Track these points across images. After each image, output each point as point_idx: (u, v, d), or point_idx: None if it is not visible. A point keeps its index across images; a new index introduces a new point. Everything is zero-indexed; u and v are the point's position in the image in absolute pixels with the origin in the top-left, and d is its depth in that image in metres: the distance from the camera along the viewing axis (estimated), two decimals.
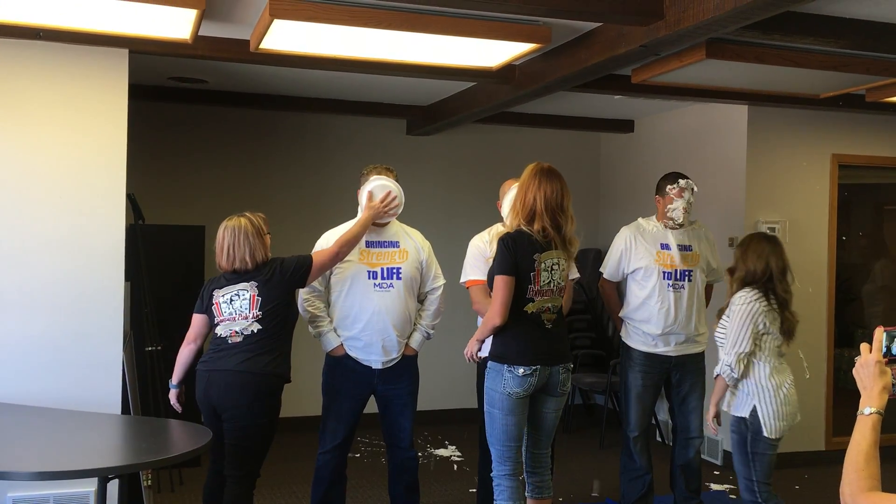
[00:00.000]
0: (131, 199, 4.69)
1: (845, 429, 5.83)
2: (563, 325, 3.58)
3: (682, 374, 4.33)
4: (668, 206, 4.30)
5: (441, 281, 4.09)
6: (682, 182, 4.28)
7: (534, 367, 3.38)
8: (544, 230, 3.41)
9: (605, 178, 7.29)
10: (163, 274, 5.20)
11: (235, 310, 3.49)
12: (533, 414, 3.51)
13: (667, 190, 4.31)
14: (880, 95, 5.03)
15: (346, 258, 3.84)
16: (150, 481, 4.40)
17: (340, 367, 3.94)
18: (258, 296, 3.47)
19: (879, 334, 1.81)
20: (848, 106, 5.39)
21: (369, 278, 3.86)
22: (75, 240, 4.14)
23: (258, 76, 5.27)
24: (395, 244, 3.95)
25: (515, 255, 3.37)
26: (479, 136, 6.92)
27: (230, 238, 3.50)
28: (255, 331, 3.46)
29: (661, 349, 4.29)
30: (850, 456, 1.64)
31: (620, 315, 4.43)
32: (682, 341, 4.28)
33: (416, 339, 4.02)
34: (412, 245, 3.99)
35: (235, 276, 3.52)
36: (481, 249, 4.15)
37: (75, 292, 4.14)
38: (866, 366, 1.77)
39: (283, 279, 3.52)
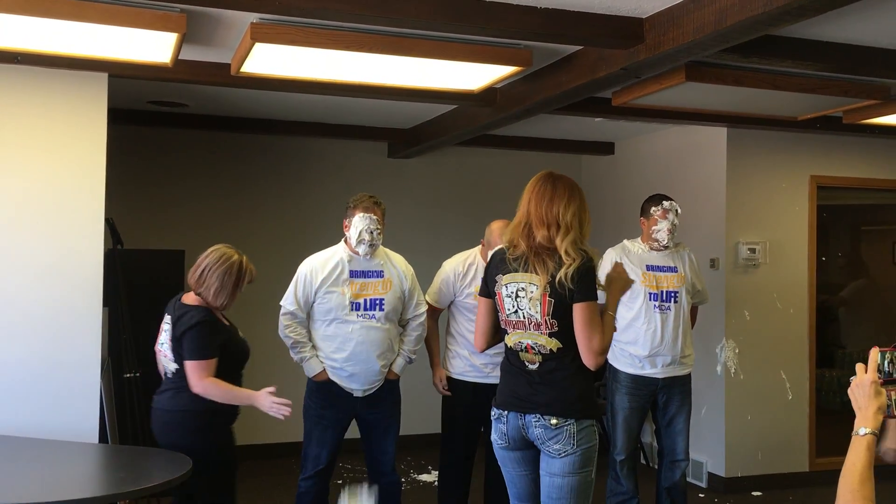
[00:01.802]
0: (110, 224, 4.64)
1: (829, 449, 5.85)
2: (563, 372, 2.79)
3: (669, 396, 4.32)
4: (653, 228, 4.31)
5: (423, 308, 4.09)
6: (666, 203, 4.29)
7: (501, 412, 2.88)
8: (514, 247, 2.86)
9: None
10: (141, 299, 5.12)
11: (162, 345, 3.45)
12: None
13: (651, 212, 4.33)
14: (857, 117, 5.09)
15: (330, 289, 3.80)
16: None
17: (322, 392, 3.92)
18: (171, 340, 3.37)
19: (875, 354, 1.81)
20: (826, 128, 5.45)
21: (353, 309, 3.84)
22: (53, 264, 4.08)
23: (239, 100, 5.25)
24: (379, 274, 3.90)
25: (487, 273, 2.98)
26: (460, 159, 6.93)
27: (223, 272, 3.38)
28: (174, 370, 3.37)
29: (647, 371, 4.28)
30: (845, 477, 1.63)
31: None
32: (669, 363, 4.27)
33: (398, 364, 4.01)
34: (395, 274, 3.96)
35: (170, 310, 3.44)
36: (447, 275, 4.19)
37: (53, 318, 4.07)
38: (861, 386, 1.76)
39: (178, 343, 3.32)
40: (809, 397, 5.86)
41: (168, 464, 3.09)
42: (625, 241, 4.45)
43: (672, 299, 4.28)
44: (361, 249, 3.83)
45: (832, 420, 6.34)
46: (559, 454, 2.76)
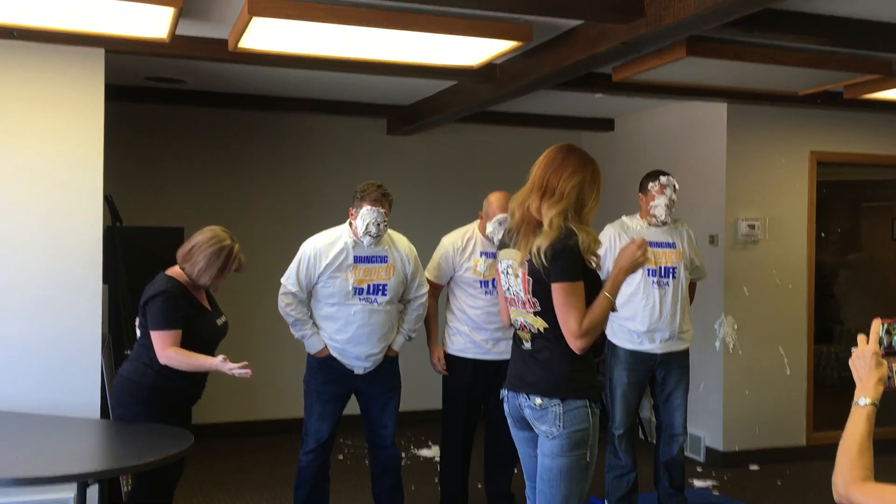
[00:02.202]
0: (108, 201, 4.63)
1: (825, 424, 5.89)
2: (549, 352, 2.68)
3: (668, 372, 4.34)
4: (651, 204, 4.31)
5: (425, 288, 4.10)
6: (663, 179, 4.29)
7: (504, 391, 2.84)
8: (512, 217, 2.77)
9: None
10: (141, 276, 5.10)
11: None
12: None
13: (649, 187, 4.32)
14: (858, 92, 5.07)
15: (334, 274, 3.80)
16: (129, 486, 4.35)
17: (323, 368, 3.95)
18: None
19: (877, 326, 1.82)
20: (826, 103, 5.43)
21: (355, 294, 3.84)
22: (52, 242, 4.08)
23: (237, 76, 5.22)
24: (383, 259, 3.90)
25: (498, 248, 2.94)
26: (459, 136, 6.90)
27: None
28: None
29: (646, 347, 4.29)
30: (844, 446, 1.64)
31: None
32: (668, 338, 4.29)
33: (398, 342, 4.06)
34: (399, 258, 3.95)
35: None
36: (445, 250, 4.20)
37: (53, 295, 4.07)
38: (863, 357, 1.77)
39: (142, 311, 3.40)
40: (807, 372, 5.89)
41: (169, 439, 3.11)
42: (623, 218, 4.44)
43: (671, 275, 4.29)
44: (367, 241, 3.82)
45: (830, 395, 6.38)
46: (547, 436, 2.65)
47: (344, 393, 4.00)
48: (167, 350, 3.28)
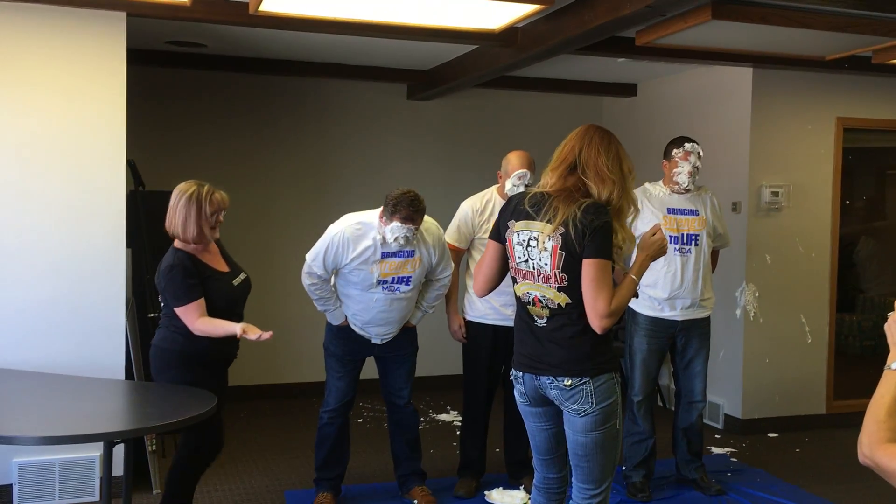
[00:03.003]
0: (131, 166, 4.66)
1: (846, 393, 5.88)
2: (571, 329, 2.64)
3: (688, 339, 4.34)
4: (675, 171, 4.27)
5: (450, 270, 4.08)
6: (687, 146, 4.24)
7: (517, 373, 2.79)
8: (543, 189, 2.70)
9: None
10: (164, 241, 5.14)
11: None
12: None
13: (673, 154, 4.29)
14: (887, 57, 4.97)
15: (360, 267, 3.78)
16: (154, 446, 4.43)
17: (342, 334, 4.03)
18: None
19: None
20: (854, 68, 5.33)
21: (377, 284, 3.85)
22: (76, 206, 4.12)
23: (257, 40, 5.20)
24: (410, 253, 3.85)
25: (500, 217, 2.82)
26: (480, 101, 6.85)
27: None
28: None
29: (667, 314, 4.28)
30: (872, 409, 1.63)
31: None
32: (688, 306, 4.27)
33: (416, 317, 4.12)
34: (426, 251, 3.90)
35: None
36: (465, 213, 4.19)
37: (77, 259, 4.13)
38: None
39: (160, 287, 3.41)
40: (829, 341, 5.85)
41: (193, 400, 3.16)
42: (646, 184, 4.41)
43: (693, 242, 4.26)
44: (394, 246, 3.78)
45: (851, 364, 6.35)
46: (579, 413, 2.65)
47: (362, 357, 4.09)
48: (196, 323, 3.27)
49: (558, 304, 2.64)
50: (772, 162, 5.64)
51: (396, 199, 3.66)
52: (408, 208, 3.65)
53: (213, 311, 3.34)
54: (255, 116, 6.36)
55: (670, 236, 4.21)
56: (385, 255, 3.80)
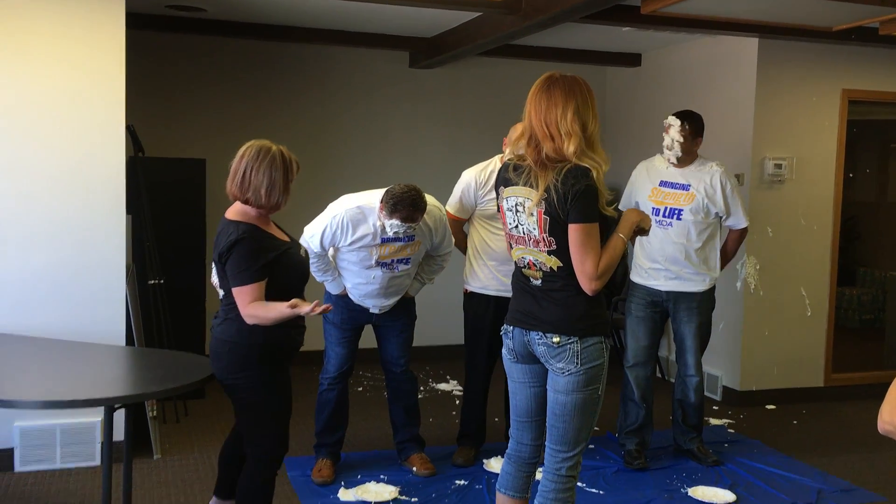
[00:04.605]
0: (130, 131, 4.63)
1: (844, 366, 5.89)
2: (566, 291, 2.67)
3: (675, 312, 4.39)
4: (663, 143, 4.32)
5: (450, 248, 4.11)
6: (669, 119, 4.30)
7: (507, 327, 2.82)
8: (520, 158, 2.71)
9: (610, 114, 7.18)
10: (164, 207, 5.16)
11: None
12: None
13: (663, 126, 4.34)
14: (894, 28, 4.91)
15: (359, 248, 3.78)
16: (155, 412, 4.46)
17: (341, 303, 4.04)
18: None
19: None
20: (860, 39, 5.27)
21: (376, 265, 3.86)
22: (75, 172, 4.10)
23: (257, 4, 5.14)
24: (411, 237, 3.85)
25: (495, 186, 2.88)
26: (483, 70, 6.80)
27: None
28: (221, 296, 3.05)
29: (652, 283, 4.36)
30: None
31: None
32: (673, 278, 4.31)
33: (415, 288, 4.15)
34: (426, 234, 3.90)
35: None
36: (467, 183, 4.17)
37: (77, 225, 4.12)
38: None
39: (221, 266, 2.92)
40: (828, 314, 5.86)
41: (192, 366, 3.17)
42: (656, 155, 4.47)
43: (675, 216, 4.27)
44: (392, 235, 3.77)
45: (851, 337, 6.37)
46: (563, 372, 2.67)
47: (360, 325, 4.13)
48: (247, 308, 2.83)
49: (550, 268, 2.67)
50: (775, 134, 5.60)
51: (397, 200, 3.61)
52: (408, 209, 3.62)
53: (289, 288, 2.96)
54: (256, 83, 6.31)
55: (653, 208, 4.29)
56: (385, 240, 3.81)
